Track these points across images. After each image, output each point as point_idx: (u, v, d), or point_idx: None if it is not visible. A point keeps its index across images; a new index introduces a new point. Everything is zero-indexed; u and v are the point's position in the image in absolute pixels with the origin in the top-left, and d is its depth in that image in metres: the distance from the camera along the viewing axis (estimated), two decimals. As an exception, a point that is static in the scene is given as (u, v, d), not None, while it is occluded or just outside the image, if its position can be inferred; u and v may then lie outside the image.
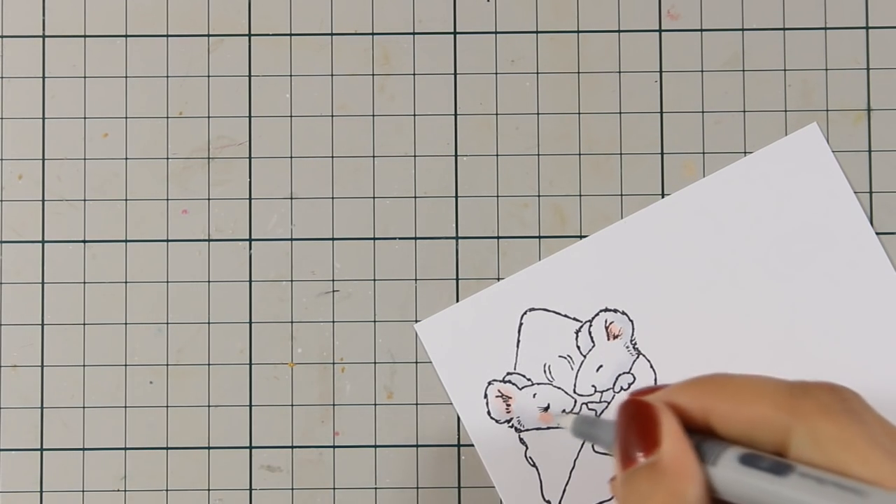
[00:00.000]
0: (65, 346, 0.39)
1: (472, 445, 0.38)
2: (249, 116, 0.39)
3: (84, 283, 0.39)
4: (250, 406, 0.39)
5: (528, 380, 0.38)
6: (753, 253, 0.38)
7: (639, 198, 0.39)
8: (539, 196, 0.39)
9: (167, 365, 0.39)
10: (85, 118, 0.40)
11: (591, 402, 0.38)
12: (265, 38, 0.40)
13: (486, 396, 0.38)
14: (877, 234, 0.38)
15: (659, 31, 0.40)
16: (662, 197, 0.39)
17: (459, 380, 0.38)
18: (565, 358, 0.38)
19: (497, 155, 0.39)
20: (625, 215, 0.39)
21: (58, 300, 0.39)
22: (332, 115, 0.39)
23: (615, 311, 0.38)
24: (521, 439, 0.38)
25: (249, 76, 0.40)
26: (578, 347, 0.38)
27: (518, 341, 0.38)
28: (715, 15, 0.40)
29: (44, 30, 0.40)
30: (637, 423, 0.24)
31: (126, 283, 0.39)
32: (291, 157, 0.39)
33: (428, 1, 0.40)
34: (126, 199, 0.39)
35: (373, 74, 0.40)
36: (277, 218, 0.39)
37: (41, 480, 0.39)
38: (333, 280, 0.39)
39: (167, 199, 0.39)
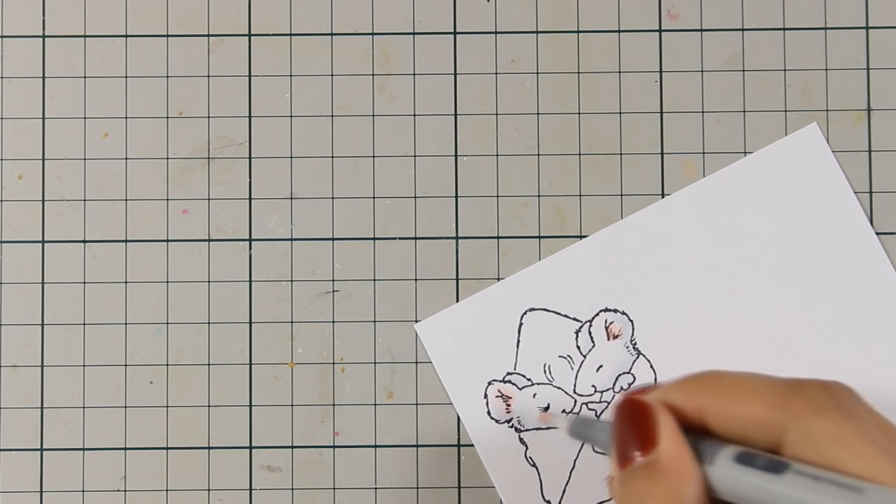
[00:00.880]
0: (65, 346, 0.39)
1: (472, 445, 0.38)
2: (249, 116, 0.39)
3: (84, 283, 0.39)
4: (250, 406, 0.39)
5: (528, 380, 0.38)
6: (753, 253, 0.38)
7: (639, 198, 0.39)
8: (539, 196, 0.39)
9: (167, 365, 0.39)
10: (85, 118, 0.40)
11: (591, 402, 0.38)
12: (265, 38, 0.40)
13: (486, 396, 0.38)
14: (877, 234, 0.38)
15: (659, 31, 0.40)
16: (662, 197, 0.39)
17: (459, 380, 0.38)
18: (565, 358, 0.38)
19: (497, 155, 0.39)
20: (625, 215, 0.39)
21: (58, 300, 0.39)
22: (332, 115, 0.39)
23: (615, 311, 0.38)
24: (521, 439, 0.38)
25: (249, 76, 0.40)
26: (578, 347, 0.38)
27: (518, 341, 0.38)
28: (715, 15, 0.40)
29: (44, 30, 0.40)
30: (634, 423, 0.24)
31: (126, 283, 0.39)
32: (291, 157, 0.39)
33: (428, 1, 0.40)
34: (126, 199, 0.39)
35: (373, 74, 0.40)
36: (277, 218, 0.39)
37: (41, 480, 0.39)
38: (333, 280, 0.39)
39: (167, 199, 0.39)
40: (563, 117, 0.39)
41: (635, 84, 0.39)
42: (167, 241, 0.39)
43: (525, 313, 0.38)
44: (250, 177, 0.39)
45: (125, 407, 0.39)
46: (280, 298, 0.39)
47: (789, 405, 0.22)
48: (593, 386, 0.38)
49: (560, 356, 0.38)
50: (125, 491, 0.38)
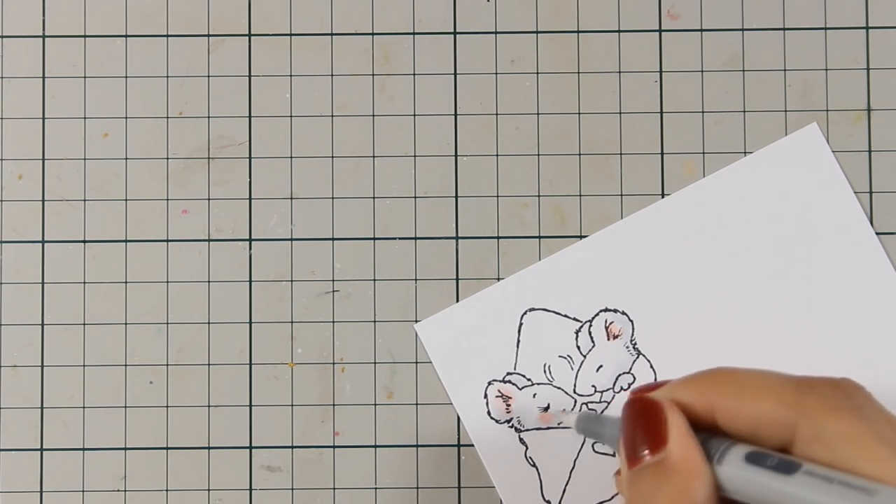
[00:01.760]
0: (65, 346, 0.39)
1: (472, 445, 0.38)
2: (249, 116, 0.39)
3: (84, 283, 0.39)
4: (250, 406, 0.39)
5: (528, 380, 0.38)
6: (753, 253, 0.38)
7: (639, 198, 0.39)
8: (539, 196, 0.39)
9: (167, 365, 0.39)
10: (85, 118, 0.40)
11: (591, 403, 0.38)
12: (265, 38, 0.40)
13: (486, 396, 0.38)
14: (877, 234, 0.38)
15: (659, 31, 0.40)
16: (662, 197, 0.39)
17: (459, 380, 0.38)
18: (565, 358, 0.38)
19: (497, 155, 0.39)
20: (625, 215, 0.39)
21: (58, 300, 0.39)
22: (332, 115, 0.39)
23: (615, 311, 0.38)
24: (521, 439, 0.38)
25: (249, 76, 0.40)
26: (578, 347, 0.38)
27: (518, 341, 0.38)
28: (715, 15, 0.40)
29: (44, 30, 0.40)
30: (643, 422, 0.24)
31: (126, 283, 0.39)
32: (291, 157, 0.39)
33: (428, 1, 0.40)
34: (126, 199, 0.39)
35: (373, 74, 0.40)
36: (277, 218, 0.39)
37: (41, 480, 0.39)
38: (333, 280, 0.39)
39: (167, 199, 0.39)
40: (562, 117, 0.39)
41: (635, 84, 0.39)
42: (167, 241, 0.39)
43: (525, 313, 0.38)
44: (250, 177, 0.39)
45: (125, 407, 0.39)
46: (280, 298, 0.39)
47: (802, 404, 0.22)
48: (593, 386, 0.38)
49: (560, 356, 0.38)
50: (125, 491, 0.38)
